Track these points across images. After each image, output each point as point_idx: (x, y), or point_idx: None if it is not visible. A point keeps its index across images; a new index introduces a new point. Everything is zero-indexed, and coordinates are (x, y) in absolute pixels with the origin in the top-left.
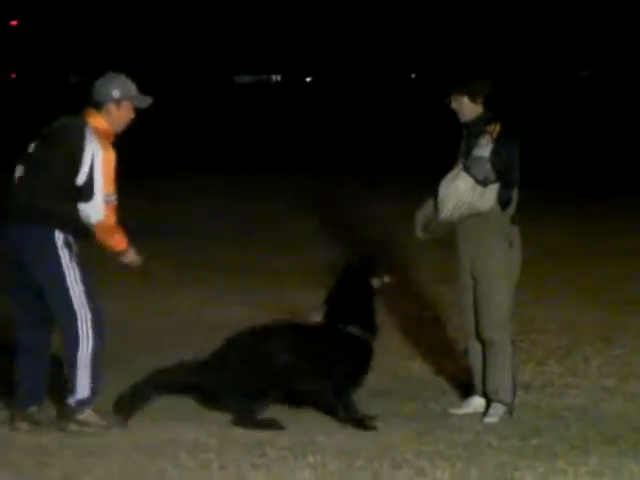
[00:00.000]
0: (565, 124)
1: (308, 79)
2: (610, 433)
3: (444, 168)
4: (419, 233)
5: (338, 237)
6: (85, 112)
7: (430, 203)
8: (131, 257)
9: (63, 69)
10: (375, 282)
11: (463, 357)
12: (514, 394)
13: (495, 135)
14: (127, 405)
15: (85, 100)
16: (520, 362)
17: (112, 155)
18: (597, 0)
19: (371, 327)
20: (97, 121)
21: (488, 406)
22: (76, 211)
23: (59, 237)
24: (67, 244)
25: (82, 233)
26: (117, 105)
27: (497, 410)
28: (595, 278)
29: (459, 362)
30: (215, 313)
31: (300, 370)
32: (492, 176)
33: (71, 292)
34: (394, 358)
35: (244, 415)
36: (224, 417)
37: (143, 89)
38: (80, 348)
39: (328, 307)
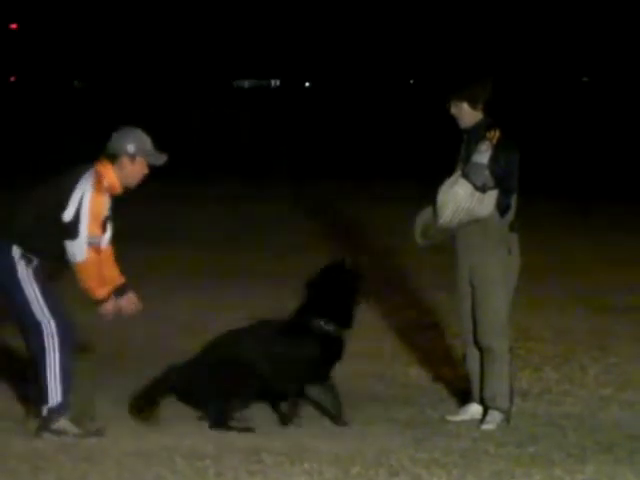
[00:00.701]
0: (565, 130)
1: (307, 84)
2: (607, 441)
3: (443, 173)
4: (418, 239)
5: (336, 242)
6: (98, 161)
7: (429, 209)
8: (108, 309)
9: (65, 74)
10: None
11: (461, 364)
12: (511, 401)
13: (494, 141)
14: (143, 404)
15: (88, 106)
16: (517, 369)
17: (102, 200)
18: (597, 6)
19: (344, 321)
20: (107, 172)
21: (485, 413)
22: (49, 239)
23: (16, 251)
24: (25, 258)
25: (49, 258)
26: (131, 160)
27: (494, 417)
28: (592, 286)
29: (457, 369)
30: (213, 317)
31: (265, 371)
32: (491, 182)
33: (31, 304)
34: (391, 364)
35: (218, 418)
36: None
37: (144, 95)
38: (47, 359)
39: (303, 300)
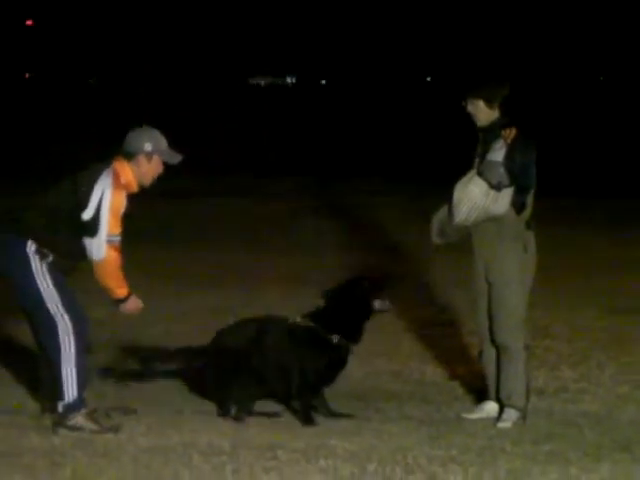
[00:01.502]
0: (582, 128)
1: (323, 82)
2: (623, 440)
3: (459, 171)
4: (435, 238)
5: (352, 240)
6: (114, 158)
7: (445, 208)
8: (131, 306)
9: (81, 71)
10: (377, 304)
11: (477, 361)
12: (527, 399)
13: (510, 140)
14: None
15: (103, 104)
16: (534, 367)
17: (122, 197)
18: (613, 6)
19: (353, 337)
20: (123, 169)
21: (501, 411)
22: (64, 237)
23: (31, 246)
24: (39, 252)
25: (64, 255)
26: (148, 158)
27: (510, 415)
28: (609, 285)
29: (473, 366)
30: (227, 318)
31: (271, 369)
32: (506, 180)
33: (43, 296)
34: (407, 362)
35: (225, 409)
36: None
37: (159, 93)
38: (63, 355)
39: (320, 312)
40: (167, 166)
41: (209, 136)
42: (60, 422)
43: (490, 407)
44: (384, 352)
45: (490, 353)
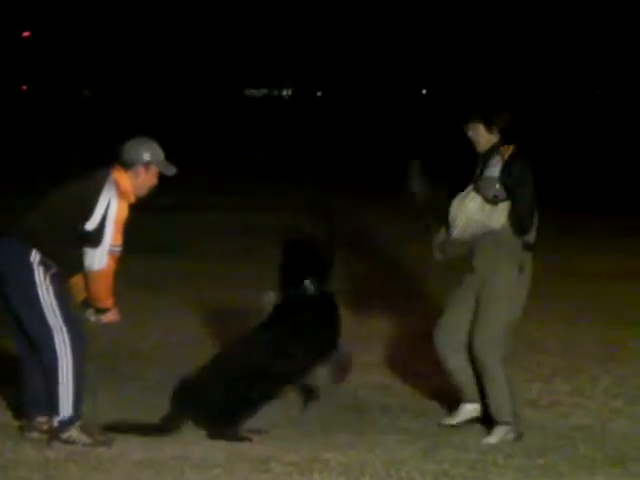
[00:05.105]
0: (578, 143)
1: (319, 93)
2: (617, 454)
3: (454, 184)
4: (437, 255)
5: (349, 252)
6: (112, 167)
7: (445, 225)
8: (112, 317)
9: (75, 83)
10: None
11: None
12: (516, 413)
13: (507, 156)
14: None
15: (97, 116)
16: (526, 380)
17: (125, 207)
18: (610, 18)
19: (325, 282)
20: (122, 178)
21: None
22: (65, 246)
23: (36, 256)
24: (43, 263)
25: (65, 265)
26: (146, 168)
27: (498, 432)
28: (601, 299)
29: None
30: (223, 327)
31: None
32: (502, 195)
33: (44, 307)
34: (401, 375)
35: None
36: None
37: (154, 105)
38: (60, 364)
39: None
40: (168, 179)
41: (206, 147)
42: (55, 436)
43: (468, 409)
44: (377, 365)
45: (455, 359)
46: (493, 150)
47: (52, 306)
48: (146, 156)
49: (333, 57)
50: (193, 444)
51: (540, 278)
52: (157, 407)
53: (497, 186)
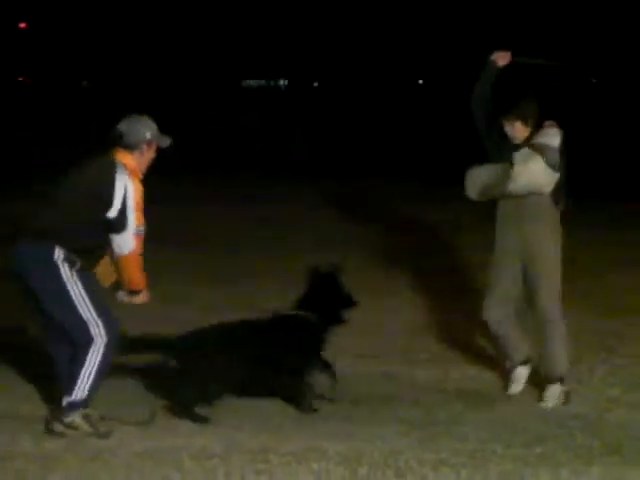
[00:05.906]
0: (575, 131)
1: (315, 84)
2: (614, 443)
3: (452, 171)
4: (473, 194)
5: (348, 241)
6: (114, 152)
7: (491, 168)
8: (144, 298)
9: (74, 74)
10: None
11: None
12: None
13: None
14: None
15: (96, 106)
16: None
17: (140, 188)
18: (605, 8)
19: (332, 318)
20: (128, 160)
21: (544, 389)
22: (87, 238)
23: (59, 253)
24: (68, 260)
25: (87, 257)
26: (148, 146)
27: (553, 393)
28: (598, 288)
29: (465, 369)
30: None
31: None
32: (559, 165)
33: (76, 303)
34: (399, 364)
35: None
36: (230, 422)
37: (152, 95)
38: (88, 358)
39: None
40: (169, 170)
41: (204, 138)
42: (57, 416)
43: (522, 372)
44: (376, 354)
45: (507, 325)
46: (527, 140)
47: (84, 300)
48: (148, 135)
49: (329, 48)
50: (192, 435)
51: None
52: (153, 398)
53: (557, 155)
